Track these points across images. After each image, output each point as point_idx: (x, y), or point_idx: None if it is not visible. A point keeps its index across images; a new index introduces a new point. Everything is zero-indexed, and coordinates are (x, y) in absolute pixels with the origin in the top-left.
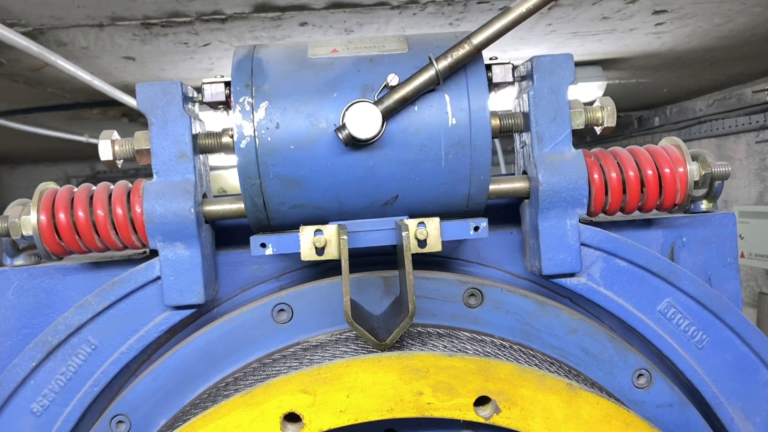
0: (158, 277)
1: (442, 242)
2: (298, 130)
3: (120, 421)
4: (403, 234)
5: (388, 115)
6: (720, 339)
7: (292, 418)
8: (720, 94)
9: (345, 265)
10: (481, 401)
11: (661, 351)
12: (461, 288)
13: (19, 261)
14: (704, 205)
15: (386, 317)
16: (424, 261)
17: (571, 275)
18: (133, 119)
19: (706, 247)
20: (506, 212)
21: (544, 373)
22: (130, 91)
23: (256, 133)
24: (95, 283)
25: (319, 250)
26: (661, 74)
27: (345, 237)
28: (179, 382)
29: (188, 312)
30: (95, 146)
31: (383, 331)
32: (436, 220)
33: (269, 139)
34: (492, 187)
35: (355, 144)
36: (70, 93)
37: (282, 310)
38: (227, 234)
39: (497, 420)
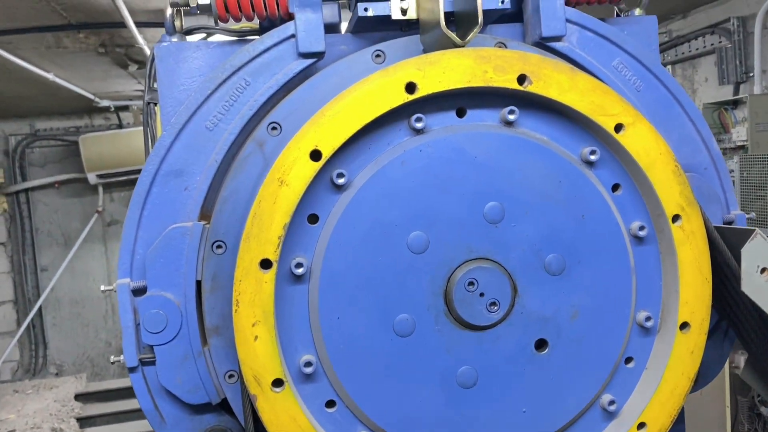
0: (292, 35)
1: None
2: None
3: (273, 128)
4: None
5: None
6: (650, 85)
7: (410, 88)
8: None
9: None
10: (521, 79)
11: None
12: (492, 41)
13: (174, 39)
14: (638, 11)
15: None
16: None
17: (559, 39)
18: (108, 52)
19: (638, 37)
20: (508, 17)
21: (557, 60)
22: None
23: None
24: (229, 54)
25: (404, 11)
26: None
27: None
28: (316, 100)
29: (311, 61)
30: (35, 100)
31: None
32: None
33: None
34: None
35: None
36: (71, 11)
37: (378, 55)
38: None
39: (530, 88)
